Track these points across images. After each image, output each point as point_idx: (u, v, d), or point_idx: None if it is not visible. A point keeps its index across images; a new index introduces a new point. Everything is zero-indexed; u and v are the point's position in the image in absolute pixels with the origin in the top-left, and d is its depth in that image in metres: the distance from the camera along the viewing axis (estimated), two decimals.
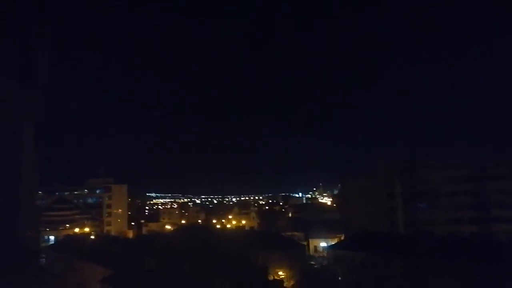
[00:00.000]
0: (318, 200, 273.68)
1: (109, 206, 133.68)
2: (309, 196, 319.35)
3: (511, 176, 75.49)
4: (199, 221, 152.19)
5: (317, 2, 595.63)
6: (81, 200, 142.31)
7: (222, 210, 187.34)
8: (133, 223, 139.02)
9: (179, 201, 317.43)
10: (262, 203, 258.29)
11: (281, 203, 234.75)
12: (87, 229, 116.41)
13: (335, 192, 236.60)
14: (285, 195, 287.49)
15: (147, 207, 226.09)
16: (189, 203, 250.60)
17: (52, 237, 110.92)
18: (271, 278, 49.76)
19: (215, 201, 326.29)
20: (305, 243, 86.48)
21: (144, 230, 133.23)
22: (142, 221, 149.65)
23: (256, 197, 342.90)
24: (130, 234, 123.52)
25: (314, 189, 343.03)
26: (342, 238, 79.19)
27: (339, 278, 46.95)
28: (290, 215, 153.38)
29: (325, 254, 75.50)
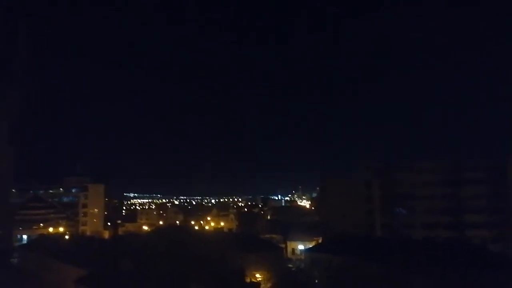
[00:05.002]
0: (297, 203, 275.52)
1: (85, 205, 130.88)
2: (288, 199, 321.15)
3: (488, 181, 76.16)
4: (177, 222, 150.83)
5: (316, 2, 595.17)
6: (56, 199, 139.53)
7: (200, 211, 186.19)
8: (109, 223, 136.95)
9: (158, 201, 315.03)
10: (241, 205, 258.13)
11: (260, 205, 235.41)
12: (61, 229, 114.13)
13: (314, 195, 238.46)
14: (264, 197, 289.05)
15: (124, 207, 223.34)
16: (168, 204, 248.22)
17: (25, 237, 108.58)
18: (248, 280, 49.56)
19: (194, 202, 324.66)
20: (283, 245, 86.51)
21: (121, 231, 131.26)
22: (119, 221, 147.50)
23: (236, 199, 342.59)
24: (106, 234, 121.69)
25: (293, 192, 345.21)
26: (320, 241, 79.37)
27: (316, 281, 46.95)
28: (268, 217, 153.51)
29: (302, 257, 75.52)
